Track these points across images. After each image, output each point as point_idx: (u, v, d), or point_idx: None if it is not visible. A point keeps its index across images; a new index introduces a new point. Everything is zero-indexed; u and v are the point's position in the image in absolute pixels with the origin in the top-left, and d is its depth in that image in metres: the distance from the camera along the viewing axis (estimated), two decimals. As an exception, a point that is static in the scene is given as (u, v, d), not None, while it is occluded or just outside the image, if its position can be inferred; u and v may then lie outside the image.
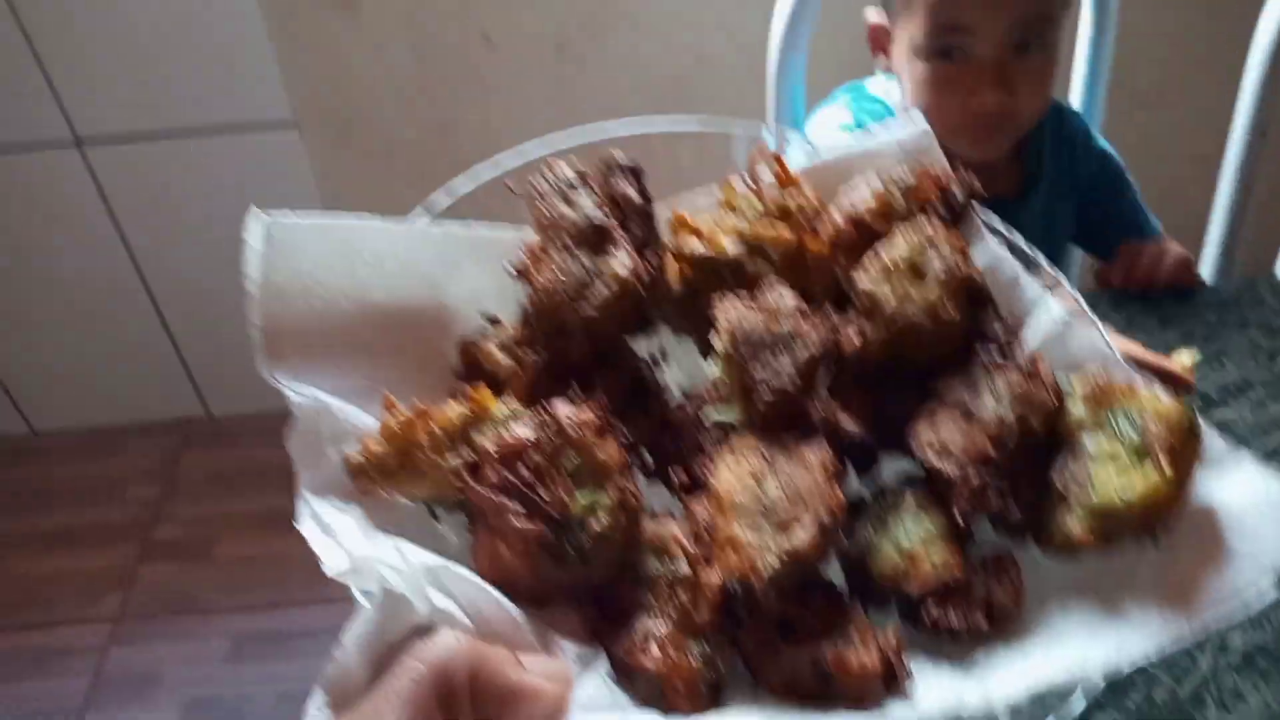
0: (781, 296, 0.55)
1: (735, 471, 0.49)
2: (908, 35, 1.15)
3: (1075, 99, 1.42)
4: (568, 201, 0.61)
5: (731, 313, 0.54)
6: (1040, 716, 0.46)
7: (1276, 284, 1.15)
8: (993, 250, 0.63)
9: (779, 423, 0.52)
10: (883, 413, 0.56)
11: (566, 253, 0.58)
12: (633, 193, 0.64)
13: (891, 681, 0.44)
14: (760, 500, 0.47)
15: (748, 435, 0.52)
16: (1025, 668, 0.45)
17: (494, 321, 0.61)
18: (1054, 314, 0.59)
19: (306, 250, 0.57)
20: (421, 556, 0.46)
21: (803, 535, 0.45)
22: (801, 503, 0.47)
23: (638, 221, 0.63)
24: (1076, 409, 0.53)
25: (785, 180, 0.68)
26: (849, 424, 0.55)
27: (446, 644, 0.40)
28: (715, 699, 0.45)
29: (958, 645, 0.47)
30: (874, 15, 1.24)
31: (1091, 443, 0.51)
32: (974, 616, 0.47)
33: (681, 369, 0.64)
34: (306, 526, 0.47)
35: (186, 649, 1.87)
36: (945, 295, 0.55)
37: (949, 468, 0.50)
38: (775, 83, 1.32)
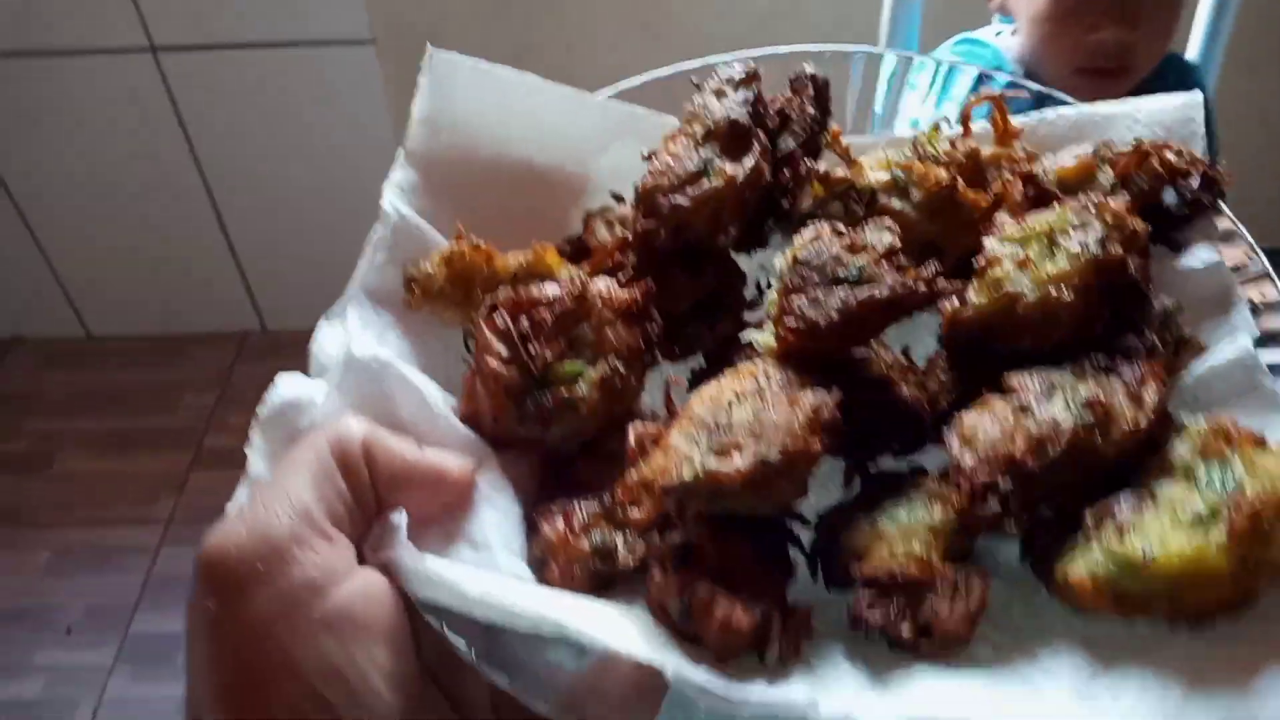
0: (880, 235, 0.48)
1: (721, 387, 0.45)
2: None
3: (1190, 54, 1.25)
4: (720, 97, 0.59)
5: (809, 233, 0.49)
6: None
7: None
8: (1210, 258, 0.50)
9: (800, 358, 0.46)
10: (968, 396, 0.48)
11: (693, 144, 0.56)
12: (807, 105, 0.59)
13: (762, 645, 0.39)
14: (719, 418, 0.43)
15: (765, 358, 0.47)
16: (934, 696, 0.37)
17: (619, 199, 0.61)
18: (1241, 352, 0.46)
19: (465, 90, 0.60)
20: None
21: (734, 463, 0.41)
22: (757, 436, 0.42)
23: (798, 134, 0.59)
24: (1182, 450, 0.41)
25: (1003, 132, 0.60)
26: (907, 392, 0.48)
27: (347, 422, 0.42)
28: (593, 589, 0.43)
29: (897, 650, 0.40)
30: None
31: (1167, 490, 0.39)
32: (900, 625, 0.39)
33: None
34: (345, 316, 0.52)
35: None
36: (1069, 274, 0.45)
37: (964, 460, 0.42)
38: (889, 24, 1.25)
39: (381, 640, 0.38)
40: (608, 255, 0.56)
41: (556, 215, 0.62)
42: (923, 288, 0.47)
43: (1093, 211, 0.47)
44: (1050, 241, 0.47)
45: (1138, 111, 0.57)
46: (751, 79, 0.60)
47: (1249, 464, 0.38)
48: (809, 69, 0.61)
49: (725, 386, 0.45)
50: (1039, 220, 0.48)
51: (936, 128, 0.60)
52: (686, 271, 0.55)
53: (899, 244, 0.48)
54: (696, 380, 0.52)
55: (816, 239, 0.49)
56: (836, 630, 0.41)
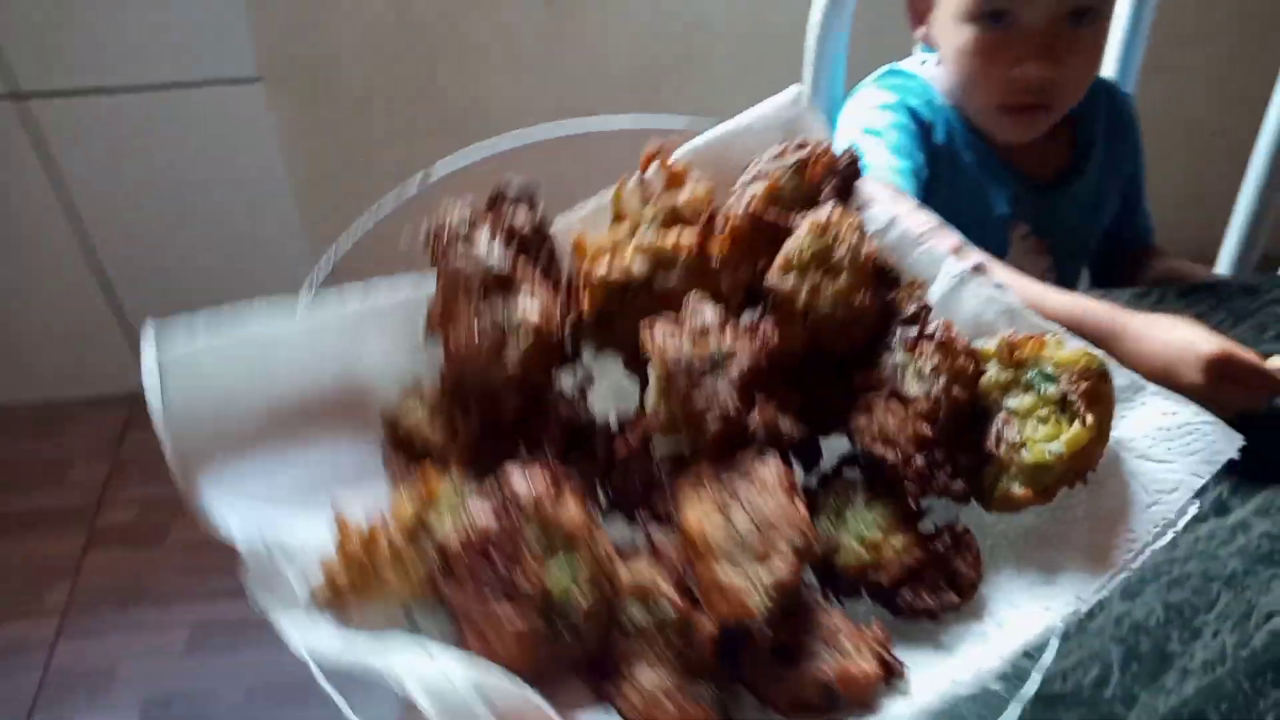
0: (703, 314, 0.55)
1: (701, 509, 0.50)
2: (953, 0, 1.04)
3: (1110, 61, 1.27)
4: (469, 245, 0.59)
5: (660, 341, 0.54)
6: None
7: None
8: (885, 217, 0.65)
9: (728, 446, 0.53)
10: (813, 403, 0.58)
11: (475, 309, 0.57)
12: (528, 223, 0.62)
13: (890, 679, 0.48)
14: (732, 536, 0.49)
15: (701, 465, 0.53)
16: (996, 637, 0.49)
17: (416, 388, 0.59)
18: (951, 271, 0.62)
19: (207, 368, 0.54)
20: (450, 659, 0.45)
21: (782, 565, 0.47)
22: (772, 529, 0.48)
23: (538, 251, 0.62)
24: (992, 370, 0.56)
25: (671, 178, 0.68)
26: (789, 426, 0.57)
27: None
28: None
29: (932, 623, 0.51)
30: None
31: (1014, 402, 0.54)
32: (945, 595, 0.50)
33: (608, 384, 0.64)
34: (300, 650, 0.46)
35: (142, 641, 1.74)
36: (854, 282, 0.57)
37: (891, 454, 0.53)
38: (815, 60, 1.21)
39: None
40: (466, 447, 0.55)
41: (351, 433, 0.58)
42: (762, 341, 0.56)
43: (827, 222, 0.58)
44: (820, 261, 0.57)
45: (755, 119, 0.69)
46: (480, 216, 0.60)
47: (1050, 359, 0.54)
48: (502, 184, 0.62)
49: (705, 507, 0.50)
50: (798, 247, 0.58)
51: (620, 193, 0.67)
52: (539, 422, 0.57)
53: (720, 313, 0.56)
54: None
55: (665, 347, 0.54)
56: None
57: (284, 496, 0.54)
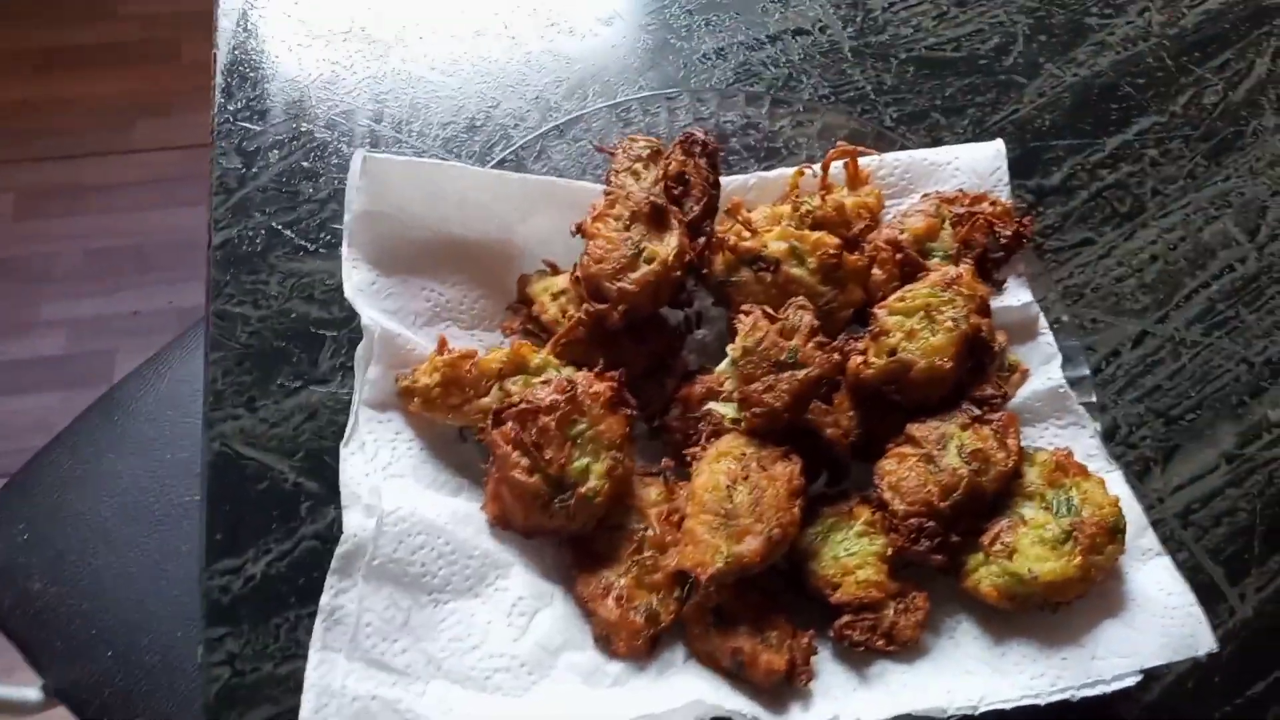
0: (801, 317, 0.61)
1: (713, 471, 0.57)
2: None
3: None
4: (636, 177, 0.67)
5: (750, 324, 0.61)
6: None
7: None
8: (1024, 297, 0.68)
9: (765, 431, 0.59)
10: (870, 429, 0.63)
11: (623, 226, 0.64)
12: (702, 172, 0.69)
13: (791, 680, 0.54)
14: (725, 504, 0.56)
15: (735, 435, 0.59)
16: (905, 689, 0.55)
17: (552, 269, 0.68)
18: (1055, 378, 0.65)
19: (397, 185, 0.64)
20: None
21: (751, 545, 0.54)
22: (760, 515, 0.55)
23: (698, 199, 0.68)
24: (1032, 477, 0.59)
25: (855, 180, 0.72)
26: (833, 437, 0.62)
27: None
28: (651, 648, 0.56)
29: (864, 654, 0.57)
30: None
31: (1029, 511, 0.58)
32: (873, 639, 0.56)
33: (713, 331, 0.71)
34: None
35: None
36: (947, 344, 0.60)
37: (896, 504, 0.58)
38: None
39: None
40: (566, 334, 0.64)
41: (492, 279, 0.69)
42: (839, 357, 0.61)
43: (954, 289, 0.62)
44: (928, 317, 0.61)
45: (957, 159, 0.72)
46: (657, 154, 0.68)
47: (1082, 492, 0.57)
48: (698, 133, 0.69)
49: (717, 472, 0.57)
50: (915, 295, 0.62)
51: (800, 174, 0.72)
52: (633, 340, 0.65)
53: (817, 322, 0.61)
54: (676, 449, 0.63)
55: (755, 329, 0.61)
56: (820, 637, 0.57)
57: (409, 315, 0.65)
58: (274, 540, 0.62)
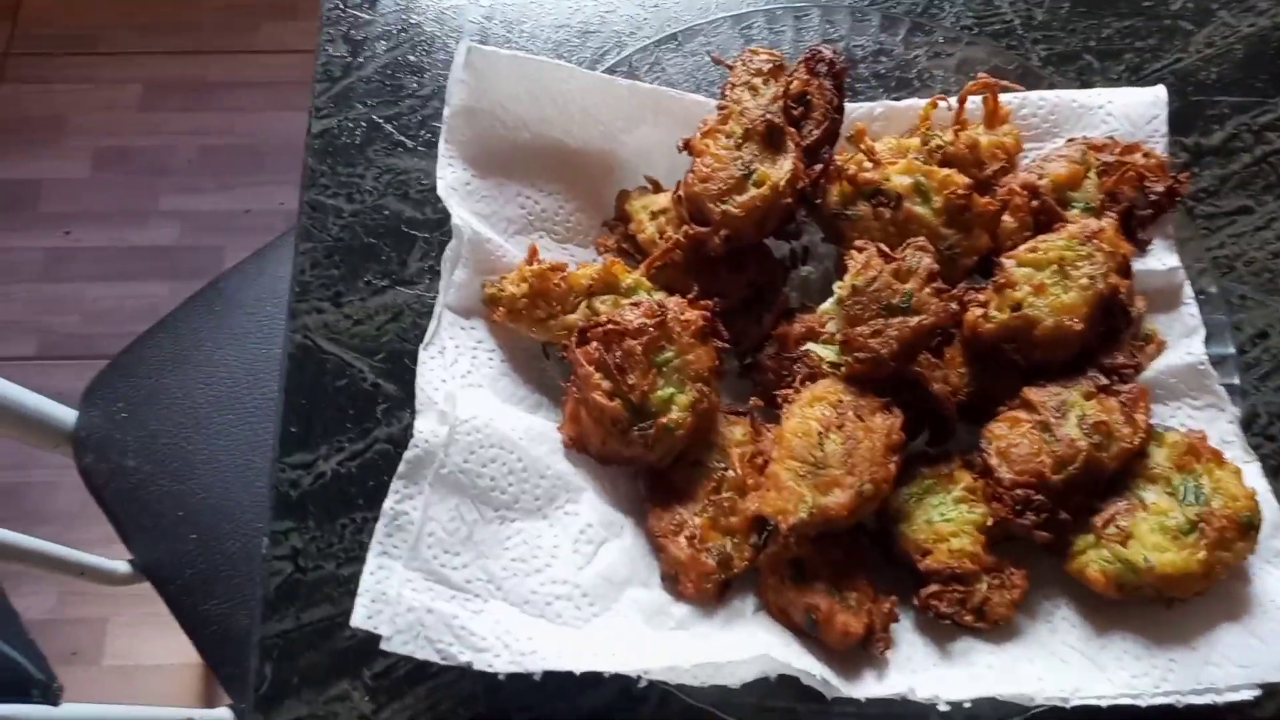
0: (919, 260, 0.56)
1: (806, 415, 0.53)
2: None
3: None
4: (754, 92, 0.62)
5: (863, 261, 0.56)
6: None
7: None
8: (1171, 261, 0.61)
9: (867, 379, 0.55)
10: (982, 388, 0.58)
11: (734, 145, 0.60)
12: (825, 94, 0.63)
13: (867, 645, 0.51)
14: (815, 452, 0.52)
15: (833, 380, 0.55)
16: (990, 671, 0.50)
17: (654, 185, 0.64)
18: (1196, 353, 0.58)
19: (501, 80, 0.61)
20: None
21: (839, 498, 0.50)
22: (851, 467, 0.51)
23: (819, 123, 0.63)
24: (1159, 458, 0.53)
25: (994, 117, 0.66)
26: (940, 393, 0.57)
27: None
28: (720, 593, 0.53)
29: (949, 627, 0.53)
30: None
31: (1151, 495, 0.52)
32: (961, 613, 0.51)
33: (819, 270, 0.66)
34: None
35: (92, 94, 1.73)
36: (1079, 303, 0.55)
37: (1003, 474, 0.53)
38: None
39: None
40: (665, 257, 0.60)
41: (590, 191, 0.65)
42: (956, 307, 0.56)
43: (1093, 244, 0.56)
44: (1061, 272, 0.56)
45: (1110, 104, 0.65)
46: (779, 70, 0.63)
47: (1215, 481, 0.51)
48: (826, 51, 0.64)
49: (810, 417, 0.53)
50: (1049, 246, 0.56)
51: (934, 105, 0.66)
52: (732, 269, 0.61)
53: (937, 266, 0.56)
54: (750, 373, 0.59)
55: (867, 267, 0.56)
56: (903, 604, 0.53)
57: (501, 220, 0.62)
58: (348, 439, 0.61)
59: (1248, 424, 0.62)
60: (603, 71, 0.67)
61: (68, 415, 0.99)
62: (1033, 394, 0.55)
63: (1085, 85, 0.74)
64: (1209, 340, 0.59)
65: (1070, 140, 0.64)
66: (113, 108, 1.85)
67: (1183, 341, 0.59)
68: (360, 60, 0.74)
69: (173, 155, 1.82)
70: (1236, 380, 0.59)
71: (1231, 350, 0.60)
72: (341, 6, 0.76)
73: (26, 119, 1.79)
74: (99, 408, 1.02)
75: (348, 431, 0.61)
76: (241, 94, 1.90)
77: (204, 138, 1.83)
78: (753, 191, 0.59)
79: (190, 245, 1.72)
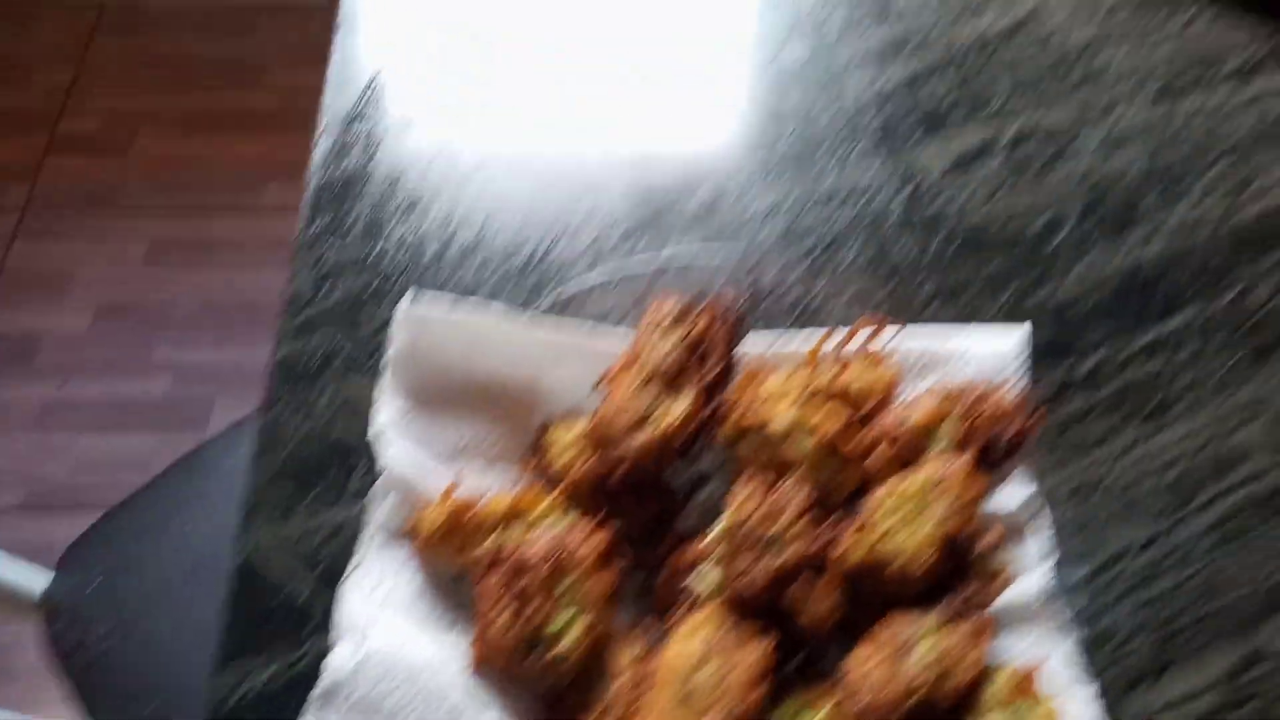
0: (789, 497, 0.64)
1: (684, 645, 0.60)
2: None
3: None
4: (661, 337, 0.71)
5: (740, 499, 0.64)
6: None
7: None
8: (1026, 493, 0.69)
9: (744, 609, 0.62)
10: (850, 613, 0.65)
11: (637, 388, 0.69)
12: (719, 342, 0.72)
13: None
14: (688, 682, 0.59)
15: (715, 608, 0.62)
16: None
17: (574, 418, 0.73)
18: (1044, 582, 0.65)
19: (437, 332, 0.71)
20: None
21: (706, 723, 0.57)
22: (719, 697, 0.58)
23: (714, 366, 0.72)
24: (997, 688, 0.60)
25: (872, 357, 0.75)
26: (809, 621, 0.64)
27: None
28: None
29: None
30: None
31: (986, 723, 0.59)
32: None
33: (721, 494, 0.74)
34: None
35: (100, 249, 1.82)
36: (925, 544, 0.62)
37: (860, 700, 0.59)
38: None
39: None
40: (571, 484, 0.68)
41: (516, 424, 0.74)
42: (822, 544, 0.64)
43: (942, 478, 0.64)
44: (913, 512, 0.63)
45: (975, 347, 0.74)
46: (685, 313, 0.72)
47: (1040, 715, 0.58)
48: (726, 298, 0.73)
49: (688, 647, 0.60)
50: (906, 487, 0.64)
51: (823, 341, 0.75)
52: (633, 500, 0.69)
53: (808, 503, 0.64)
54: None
55: (749, 500, 0.64)
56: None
57: (433, 449, 0.70)
58: (280, 654, 0.67)
59: (1101, 642, 0.69)
60: (541, 306, 0.77)
61: (39, 582, 1.06)
62: (886, 624, 0.62)
63: (969, 317, 0.83)
64: (1062, 564, 0.67)
65: (933, 387, 0.72)
66: (119, 263, 1.97)
67: (1036, 568, 0.66)
68: (325, 289, 0.84)
69: (171, 309, 1.93)
70: (1086, 602, 0.66)
71: (1084, 572, 0.67)
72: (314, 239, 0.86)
73: (37, 275, 1.92)
74: (76, 575, 1.09)
75: (282, 646, 0.68)
76: (245, 251, 2.02)
77: (205, 292, 1.94)
78: (650, 430, 0.67)
79: (181, 396, 1.82)
